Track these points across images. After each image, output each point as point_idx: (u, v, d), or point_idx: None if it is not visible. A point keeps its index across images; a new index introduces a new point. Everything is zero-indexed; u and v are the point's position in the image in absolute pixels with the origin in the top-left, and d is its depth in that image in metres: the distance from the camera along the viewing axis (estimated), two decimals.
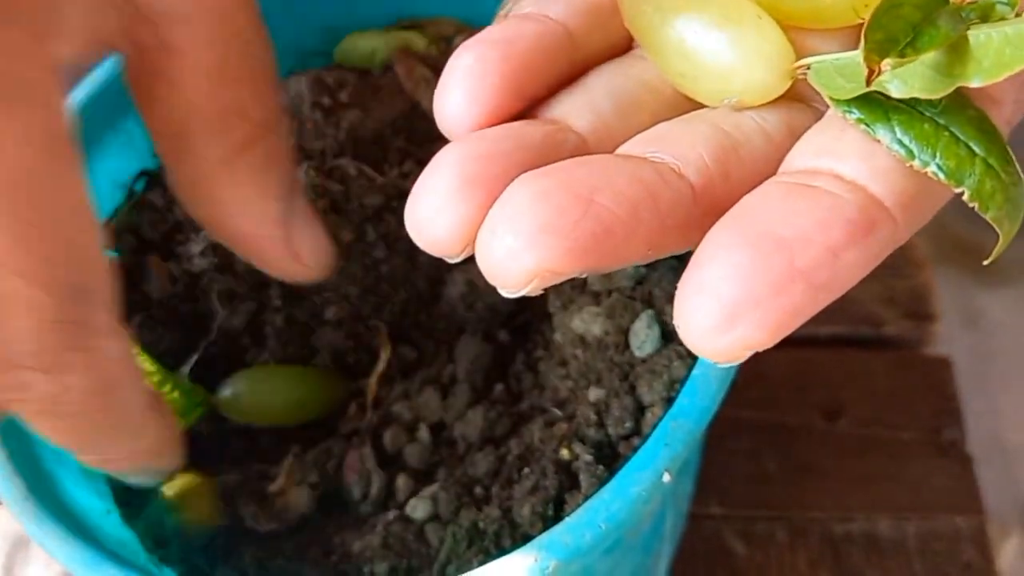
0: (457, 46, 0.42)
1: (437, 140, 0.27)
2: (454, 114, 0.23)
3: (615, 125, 0.22)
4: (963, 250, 0.98)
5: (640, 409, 0.33)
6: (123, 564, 0.30)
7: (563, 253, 0.18)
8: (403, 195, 0.38)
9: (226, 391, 0.37)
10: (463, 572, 0.30)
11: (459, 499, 0.33)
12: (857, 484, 0.49)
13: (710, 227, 0.19)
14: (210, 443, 0.38)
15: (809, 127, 0.22)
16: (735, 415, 0.52)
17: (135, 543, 0.35)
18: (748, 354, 0.19)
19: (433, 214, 0.20)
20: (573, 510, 0.29)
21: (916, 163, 0.20)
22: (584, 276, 0.21)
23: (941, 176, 0.20)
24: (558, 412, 0.34)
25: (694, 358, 0.32)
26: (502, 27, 0.24)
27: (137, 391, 0.28)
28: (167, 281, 0.39)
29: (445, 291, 0.39)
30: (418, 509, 0.33)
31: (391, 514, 0.34)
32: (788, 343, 0.59)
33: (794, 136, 0.22)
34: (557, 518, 0.31)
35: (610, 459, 0.32)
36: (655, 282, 0.35)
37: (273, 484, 0.36)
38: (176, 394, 0.35)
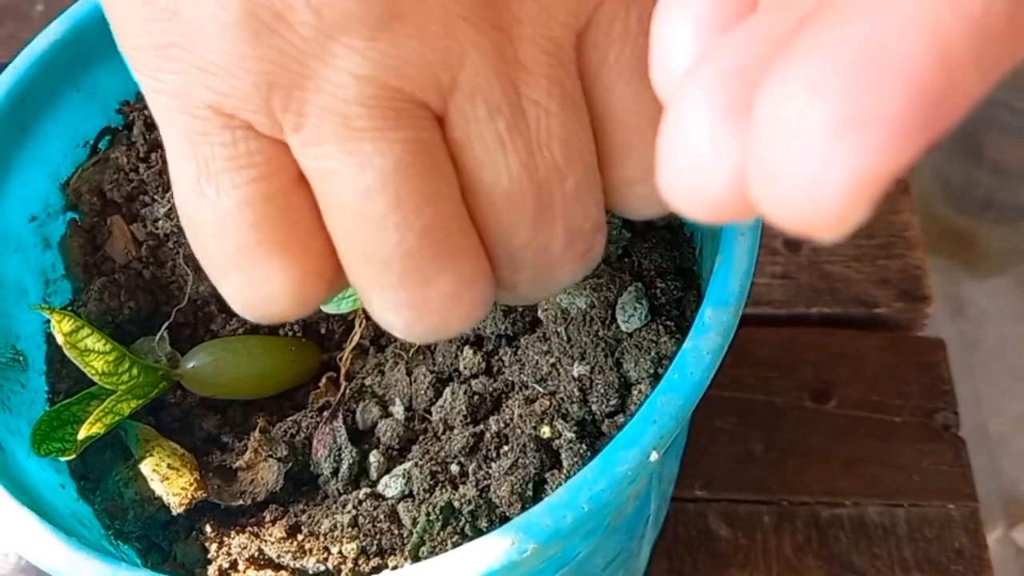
0: None
1: None
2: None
3: None
4: (952, 239, 0.98)
5: (626, 386, 0.32)
6: (77, 540, 0.29)
7: (884, 143, 0.12)
8: None
9: (188, 364, 0.35)
10: (437, 554, 0.29)
11: (434, 477, 0.31)
12: (846, 468, 0.48)
13: None
14: (175, 414, 0.36)
15: None
16: (721, 395, 0.50)
17: (91, 518, 0.33)
18: None
19: (700, 165, 0.14)
20: (554, 490, 0.27)
21: None
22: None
23: None
24: (539, 388, 0.32)
25: (683, 333, 0.30)
26: None
27: None
28: (131, 244, 0.38)
29: None
30: (390, 487, 0.32)
31: (362, 492, 0.32)
32: (777, 322, 0.58)
33: None
34: (537, 499, 0.29)
35: (593, 437, 0.31)
36: (644, 254, 0.34)
37: (239, 458, 0.34)
38: (135, 371, 0.33)
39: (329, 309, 0.32)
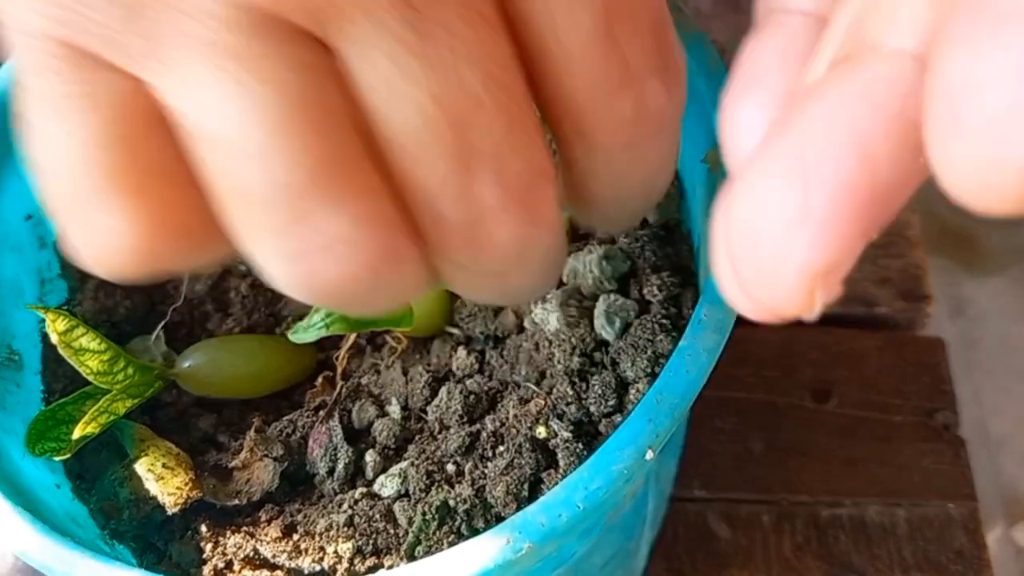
0: None
1: None
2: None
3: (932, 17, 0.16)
4: (952, 239, 0.98)
5: (623, 385, 0.31)
6: (72, 540, 0.28)
7: (819, 239, 0.15)
8: None
9: (184, 363, 0.35)
10: (433, 554, 0.28)
11: (430, 476, 0.31)
12: (846, 467, 0.48)
13: None
14: (170, 414, 0.36)
15: None
16: (721, 395, 0.50)
17: (86, 518, 0.33)
18: None
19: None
20: (550, 490, 0.27)
21: None
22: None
23: None
24: (534, 388, 0.32)
25: (680, 331, 0.30)
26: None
27: None
28: None
29: None
30: (386, 486, 0.32)
31: (358, 491, 0.32)
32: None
33: None
34: (533, 499, 0.29)
35: (591, 437, 0.31)
36: (638, 252, 0.34)
37: (235, 457, 0.34)
38: (130, 371, 0.33)
39: (295, 339, 0.31)
